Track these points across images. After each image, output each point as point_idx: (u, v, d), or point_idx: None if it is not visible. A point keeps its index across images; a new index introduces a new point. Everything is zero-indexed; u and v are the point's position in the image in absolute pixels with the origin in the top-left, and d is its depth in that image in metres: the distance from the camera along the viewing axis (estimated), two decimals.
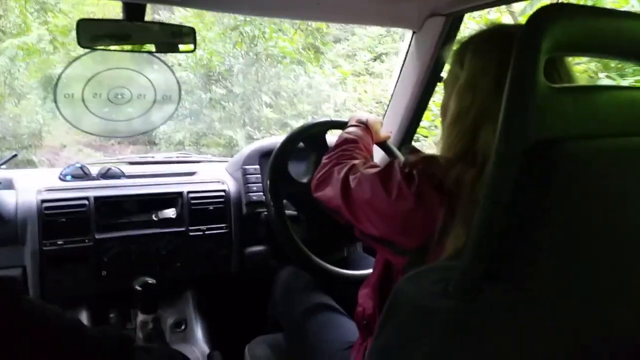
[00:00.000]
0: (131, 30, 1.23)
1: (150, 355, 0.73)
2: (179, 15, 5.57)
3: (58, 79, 1.32)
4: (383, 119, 1.80)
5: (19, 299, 0.52)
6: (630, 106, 0.53)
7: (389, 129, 1.61)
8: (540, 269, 0.51)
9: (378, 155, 1.53)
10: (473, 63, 0.79)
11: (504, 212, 0.48)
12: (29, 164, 4.50)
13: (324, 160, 1.12)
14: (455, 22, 1.47)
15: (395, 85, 1.72)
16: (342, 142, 1.17)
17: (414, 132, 1.75)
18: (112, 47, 1.26)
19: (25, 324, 0.51)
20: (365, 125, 1.27)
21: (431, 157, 0.80)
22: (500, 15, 3.33)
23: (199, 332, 1.49)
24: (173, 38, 1.30)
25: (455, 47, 0.85)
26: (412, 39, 1.60)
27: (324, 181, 1.06)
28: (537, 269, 0.51)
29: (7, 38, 5.39)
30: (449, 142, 0.80)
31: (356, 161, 1.03)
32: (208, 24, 5.74)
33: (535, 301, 0.52)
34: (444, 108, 0.86)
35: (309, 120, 1.47)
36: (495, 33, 0.80)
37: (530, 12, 0.50)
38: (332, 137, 1.46)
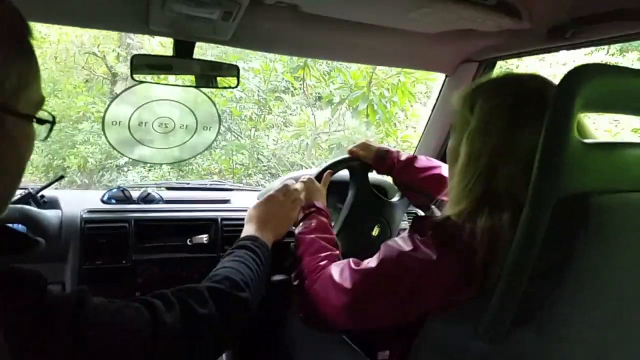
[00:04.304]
0: (178, 65, 1.32)
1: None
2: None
3: (107, 108, 1.40)
4: None
5: (44, 291, 0.57)
6: None
7: None
8: (568, 314, 0.53)
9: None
10: (484, 107, 0.80)
11: (535, 258, 0.51)
12: None
13: (295, 283, 1.04)
14: (487, 68, 1.51)
15: (426, 127, 1.76)
16: (302, 252, 1.07)
17: None
18: (159, 81, 1.35)
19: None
20: (314, 210, 1.18)
21: (443, 221, 0.78)
22: None
23: (223, 357, 1.51)
24: (214, 72, 1.38)
25: (463, 93, 0.87)
26: (444, 82, 1.65)
27: (314, 308, 0.95)
28: (565, 313, 0.53)
29: None
30: (464, 186, 0.79)
31: (330, 266, 0.97)
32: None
33: (564, 345, 0.54)
34: (454, 153, 0.86)
35: None
36: (505, 80, 0.83)
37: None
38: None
